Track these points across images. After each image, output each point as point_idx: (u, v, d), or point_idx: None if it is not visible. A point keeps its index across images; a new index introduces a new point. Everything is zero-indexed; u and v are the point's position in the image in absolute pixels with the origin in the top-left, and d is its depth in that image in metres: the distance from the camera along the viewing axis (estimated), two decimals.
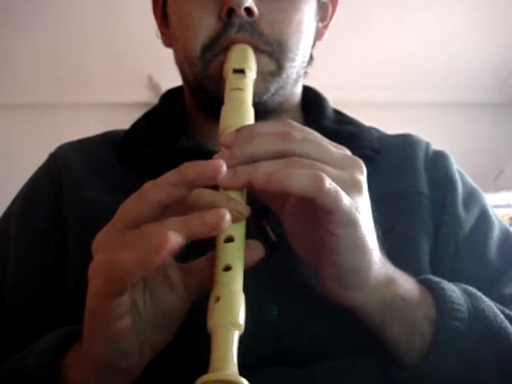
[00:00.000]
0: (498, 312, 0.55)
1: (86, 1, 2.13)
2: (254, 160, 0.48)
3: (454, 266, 0.66)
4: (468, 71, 2.49)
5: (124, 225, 0.45)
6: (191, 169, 0.45)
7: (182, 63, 0.72)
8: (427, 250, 0.66)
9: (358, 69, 2.43)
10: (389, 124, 0.98)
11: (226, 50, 0.65)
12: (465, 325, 0.52)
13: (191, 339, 0.51)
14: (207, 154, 0.54)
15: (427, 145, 0.77)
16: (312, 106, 0.78)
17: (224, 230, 0.45)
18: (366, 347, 0.55)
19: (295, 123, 0.51)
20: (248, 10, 0.65)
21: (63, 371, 0.51)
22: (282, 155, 0.48)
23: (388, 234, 0.56)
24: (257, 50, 0.65)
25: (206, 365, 0.42)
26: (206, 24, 0.66)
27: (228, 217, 0.43)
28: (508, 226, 0.74)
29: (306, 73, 0.75)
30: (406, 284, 0.54)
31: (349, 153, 0.52)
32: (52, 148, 0.76)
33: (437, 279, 0.56)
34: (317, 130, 0.52)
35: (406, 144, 0.76)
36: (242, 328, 0.44)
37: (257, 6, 0.65)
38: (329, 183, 0.45)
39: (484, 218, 0.71)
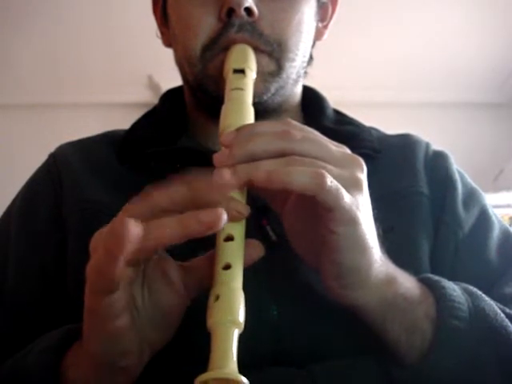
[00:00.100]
0: (499, 311, 0.55)
1: (86, 1, 2.13)
2: (254, 159, 0.48)
3: (453, 265, 0.66)
4: (468, 71, 2.49)
5: None
6: (201, 186, 0.46)
7: (182, 63, 0.72)
8: (427, 250, 0.66)
9: (358, 69, 2.43)
10: (389, 124, 0.98)
11: (225, 49, 0.65)
12: (465, 324, 0.52)
13: (191, 338, 0.51)
14: (207, 154, 0.54)
15: (427, 145, 0.77)
16: (312, 106, 0.78)
17: (223, 228, 0.46)
18: (366, 347, 0.55)
19: (295, 122, 0.51)
20: (248, 10, 0.65)
21: (63, 371, 0.51)
22: (282, 154, 0.48)
23: (388, 233, 0.56)
24: (257, 50, 0.65)
25: (206, 363, 0.42)
26: (206, 24, 0.66)
27: (225, 216, 0.43)
28: (508, 225, 0.74)
29: (305, 73, 0.75)
30: (407, 283, 0.54)
31: (349, 151, 0.52)
32: (52, 148, 0.76)
33: (437, 278, 0.57)
34: (317, 129, 0.52)
35: (405, 144, 0.76)
36: (242, 326, 0.44)
37: (257, 6, 0.65)
38: (330, 181, 0.45)
39: (484, 218, 0.71)
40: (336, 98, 0.93)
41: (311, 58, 0.75)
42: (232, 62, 0.64)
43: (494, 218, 0.72)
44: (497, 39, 2.37)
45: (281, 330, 0.57)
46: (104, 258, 0.42)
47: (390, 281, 0.53)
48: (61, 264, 0.65)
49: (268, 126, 0.51)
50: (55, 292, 0.64)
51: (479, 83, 2.56)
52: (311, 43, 0.74)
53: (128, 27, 2.16)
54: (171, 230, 0.43)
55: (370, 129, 0.78)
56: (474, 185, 0.75)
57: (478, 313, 0.54)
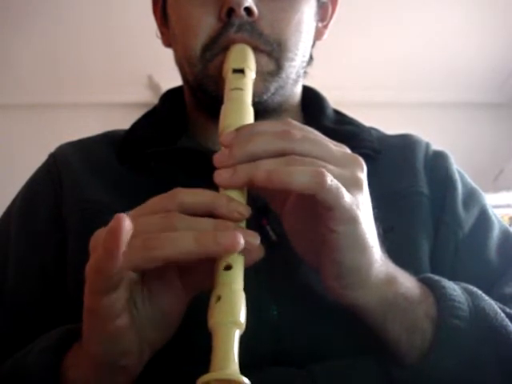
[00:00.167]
0: (499, 310, 0.55)
1: (86, 1, 2.12)
2: (253, 159, 0.48)
3: (453, 265, 0.66)
4: (468, 71, 2.49)
5: None
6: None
7: (181, 63, 0.72)
8: (427, 250, 0.66)
9: (358, 69, 2.43)
10: (389, 124, 0.98)
11: (225, 49, 0.65)
12: (466, 323, 0.52)
13: (192, 339, 0.51)
14: (207, 154, 0.54)
15: (427, 145, 0.77)
16: (312, 105, 0.78)
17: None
18: (366, 347, 0.55)
19: (295, 122, 0.51)
20: (248, 10, 0.65)
21: (63, 371, 0.51)
22: (282, 154, 0.48)
23: (388, 233, 0.56)
24: (256, 49, 0.65)
25: (207, 364, 0.42)
26: (205, 24, 0.66)
27: (242, 241, 0.44)
28: (508, 226, 0.74)
29: (305, 73, 0.75)
30: (407, 282, 0.54)
31: (349, 151, 0.52)
32: (52, 148, 0.76)
33: (437, 278, 0.57)
34: (317, 129, 0.52)
35: (405, 144, 0.76)
36: (243, 327, 0.44)
37: (256, 5, 0.65)
38: (330, 180, 0.45)
39: (484, 218, 0.71)
40: (336, 98, 0.93)
41: (311, 57, 0.75)
42: (231, 61, 0.64)
43: (493, 217, 0.72)
44: (497, 39, 2.37)
45: (281, 330, 0.57)
46: (103, 256, 0.42)
47: (390, 280, 0.53)
48: (61, 264, 0.65)
49: (268, 125, 0.51)
50: (55, 292, 0.64)
51: (479, 83, 2.56)
52: (311, 43, 0.74)
53: (128, 27, 2.16)
54: (186, 245, 0.44)
55: (370, 129, 0.78)
56: (473, 185, 0.75)
57: (478, 312, 0.54)
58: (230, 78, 0.62)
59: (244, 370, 0.42)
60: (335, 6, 0.77)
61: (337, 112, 0.80)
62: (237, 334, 0.43)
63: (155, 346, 0.50)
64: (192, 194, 0.47)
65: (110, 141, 0.75)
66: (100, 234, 0.45)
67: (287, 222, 0.53)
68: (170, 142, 0.71)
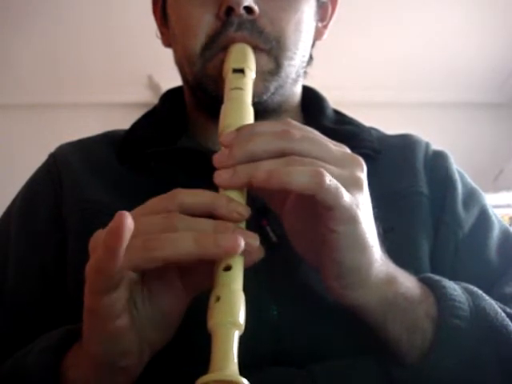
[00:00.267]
0: (499, 310, 0.55)
1: (86, 1, 2.12)
2: (253, 159, 0.48)
3: (453, 265, 0.66)
4: (468, 71, 2.49)
5: None
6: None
7: (181, 63, 0.72)
8: (427, 250, 0.66)
9: (358, 69, 2.43)
10: (389, 124, 0.98)
11: (225, 48, 0.65)
12: (466, 323, 0.52)
13: (191, 339, 0.51)
14: (207, 154, 0.54)
15: (427, 145, 0.77)
16: (312, 106, 0.78)
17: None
18: (366, 347, 0.55)
19: (295, 122, 0.51)
20: (248, 9, 0.65)
21: (63, 371, 0.51)
22: (281, 154, 0.48)
23: (388, 233, 0.56)
24: (256, 48, 0.65)
25: (206, 365, 0.42)
26: (204, 23, 0.66)
27: (242, 244, 0.44)
28: (508, 225, 0.74)
29: (305, 73, 0.75)
30: (407, 282, 0.54)
31: (349, 151, 0.52)
32: (52, 148, 0.76)
33: (438, 277, 0.57)
34: (317, 129, 0.52)
35: (405, 144, 0.76)
36: (243, 328, 0.44)
37: (256, 3, 0.65)
38: (329, 179, 0.45)
39: (484, 218, 0.71)
40: (336, 98, 0.93)
41: (311, 57, 0.75)
42: (231, 61, 0.64)
43: (493, 217, 0.72)
44: (497, 39, 2.37)
45: (281, 330, 0.57)
46: (103, 255, 0.42)
47: (390, 280, 0.53)
48: (61, 264, 0.65)
49: (268, 125, 0.51)
50: (55, 292, 0.64)
51: (479, 83, 2.56)
52: (311, 43, 0.74)
53: (128, 27, 2.16)
54: (186, 246, 0.44)
55: (370, 129, 0.78)
56: (473, 185, 0.75)
57: (478, 312, 0.54)
58: (230, 78, 0.62)
59: (244, 370, 0.42)
60: (335, 5, 0.77)
61: (337, 112, 0.80)
62: (236, 335, 0.43)
63: (155, 347, 0.50)
64: (192, 195, 0.47)
65: (110, 141, 0.75)
66: (100, 235, 0.45)
67: (287, 221, 0.53)
68: (169, 142, 0.71)
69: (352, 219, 0.47)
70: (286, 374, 0.55)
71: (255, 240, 0.47)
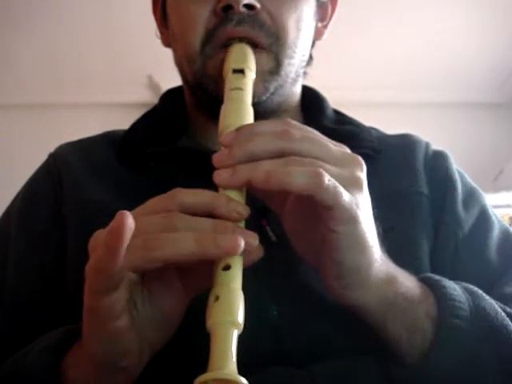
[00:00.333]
0: (499, 310, 0.55)
1: (86, 1, 2.13)
2: (253, 159, 0.48)
3: (453, 265, 0.66)
4: (468, 71, 2.49)
5: None
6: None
7: (181, 63, 0.72)
8: (427, 250, 0.66)
9: (358, 69, 2.43)
10: (389, 124, 0.98)
11: (225, 46, 0.65)
12: (466, 323, 0.52)
13: (190, 338, 0.51)
14: (207, 154, 0.54)
15: (427, 145, 0.77)
16: (312, 106, 0.78)
17: None
18: (366, 347, 0.55)
19: (295, 122, 0.51)
20: (248, 6, 0.65)
21: (63, 371, 0.51)
22: (281, 154, 0.48)
23: (388, 233, 0.56)
24: (256, 47, 0.65)
25: (206, 364, 0.42)
26: (203, 18, 0.66)
27: (242, 244, 0.44)
28: (508, 225, 0.74)
29: (305, 73, 0.75)
30: (407, 282, 0.54)
31: (349, 151, 0.52)
32: (52, 148, 0.76)
33: (438, 277, 0.57)
34: (316, 129, 0.52)
35: (405, 144, 0.76)
36: (241, 327, 0.44)
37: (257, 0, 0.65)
38: (328, 179, 0.45)
39: (484, 218, 0.71)
40: (336, 98, 0.93)
41: (311, 57, 0.75)
42: (231, 61, 0.64)
43: (493, 217, 0.72)
44: (497, 39, 2.37)
45: (281, 330, 0.57)
46: (104, 254, 0.42)
47: (390, 280, 0.53)
48: (61, 264, 0.65)
49: (267, 125, 0.51)
50: (55, 292, 0.64)
51: (479, 83, 2.56)
52: (310, 42, 0.74)
53: (128, 27, 2.16)
54: (186, 247, 0.44)
55: (370, 129, 0.78)
56: (473, 185, 0.75)
57: (478, 312, 0.54)
58: (230, 78, 0.62)
59: (244, 369, 0.42)
60: (335, 5, 0.77)
61: (337, 112, 0.80)
62: (235, 334, 0.43)
63: (155, 347, 0.50)
64: (192, 194, 0.47)
65: (109, 141, 0.75)
66: (100, 235, 0.45)
67: (287, 221, 0.53)
68: (169, 142, 0.71)
69: (352, 219, 0.47)
70: (286, 374, 0.55)
71: (255, 239, 0.47)
